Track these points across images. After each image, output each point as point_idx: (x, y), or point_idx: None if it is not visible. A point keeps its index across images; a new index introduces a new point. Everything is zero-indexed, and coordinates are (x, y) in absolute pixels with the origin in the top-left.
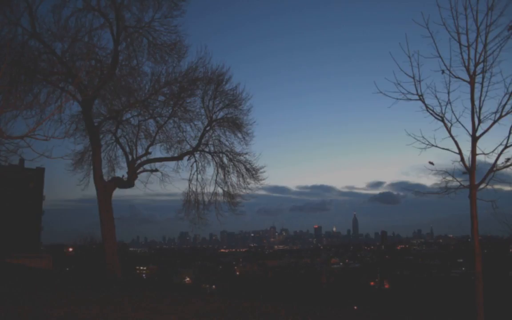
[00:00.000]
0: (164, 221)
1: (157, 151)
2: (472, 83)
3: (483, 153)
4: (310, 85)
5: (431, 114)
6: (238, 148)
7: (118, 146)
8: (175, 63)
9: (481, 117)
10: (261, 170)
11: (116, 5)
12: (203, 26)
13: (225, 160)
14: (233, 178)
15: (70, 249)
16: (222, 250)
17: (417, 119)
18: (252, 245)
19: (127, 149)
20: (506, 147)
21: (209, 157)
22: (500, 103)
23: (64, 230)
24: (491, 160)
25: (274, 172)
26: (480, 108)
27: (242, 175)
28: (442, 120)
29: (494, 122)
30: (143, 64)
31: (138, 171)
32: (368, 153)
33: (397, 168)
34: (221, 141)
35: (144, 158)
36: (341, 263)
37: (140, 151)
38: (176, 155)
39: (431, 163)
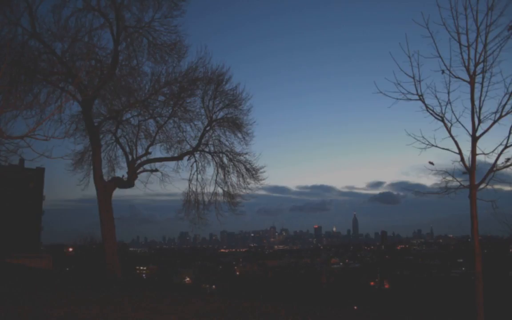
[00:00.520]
0: (164, 221)
1: (157, 151)
2: (472, 83)
3: (483, 153)
4: (310, 85)
5: (431, 114)
6: (238, 148)
7: (118, 146)
8: (175, 63)
9: (481, 117)
10: (261, 170)
11: (116, 5)
12: (203, 26)
13: (225, 160)
14: (233, 178)
15: (70, 249)
16: (222, 250)
17: (417, 119)
18: (252, 245)
19: (127, 149)
20: (506, 147)
21: (209, 157)
22: (500, 103)
23: (64, 230)
24: (491, 160)
25: (274, 172)
26: (480, 108)
27: (242, 175)
28: (442, 120)
29: (494, 122)
30: (143, 64)
31: (138, 171)
32: (368, 153)
33: (397, 168)
34: (221, 141)
35: (144, 158)
36: (341, 263)
37: (140, 151)
38: (176, 155)
39: (431, 163)
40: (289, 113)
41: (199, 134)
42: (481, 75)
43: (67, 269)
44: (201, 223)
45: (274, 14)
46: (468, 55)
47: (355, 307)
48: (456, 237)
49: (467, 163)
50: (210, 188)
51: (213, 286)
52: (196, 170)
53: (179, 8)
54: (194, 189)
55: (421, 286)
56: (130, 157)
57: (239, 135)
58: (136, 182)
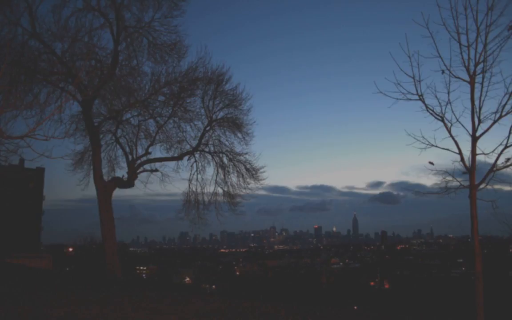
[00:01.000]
0: (164, 221)
1: (157, 151)
2: (472, 83)
3: (483, 153)
4: (310, 85)
5: (431, 114)
6: (238, 148)
7: (118, 146)
8: (175, 63)
9: (481, 117)
10: (261, 170)
11: (116, 5)
12: (203, 26)
13: (225, 160)
14: (233, 178)
15: (70, 249)
16: (222, 250)
17: (417, 119)
18: (252, 245)
19: (127, 149)
20: (506, 147)
21: (209, 157)
22: (500, 103)
23: (64, 230)
24: (491, 160)
25: (274, 172)
26: (480, 108)
27: (242, 175)
28: (442, 120)
29: (494, 122)
30: (143, 64)
31: (138, 171)
32: (368, 153)
33: (397, 168)
34: (221, 141)
35: (144, 158)
36: (341, 263)
37: (140, 151)
38: (176, 155)
39: (431, 163)
40: (289, 113)
41: (199, 134)
42: (481, 75)
43: (67, 269)
44: (201, 223)
45: (274, 14)
46: (468, 55)
47: (355, 307)
48: (456, 237)
49: (467, 163)
50: (210, 188)
51: (213, 286)
52: (196, 170)
53: (179, 8)
54: (194, 189)
55: (421, 286)
56: (130, 157)
57: (239, 135)
58: (136, 182)
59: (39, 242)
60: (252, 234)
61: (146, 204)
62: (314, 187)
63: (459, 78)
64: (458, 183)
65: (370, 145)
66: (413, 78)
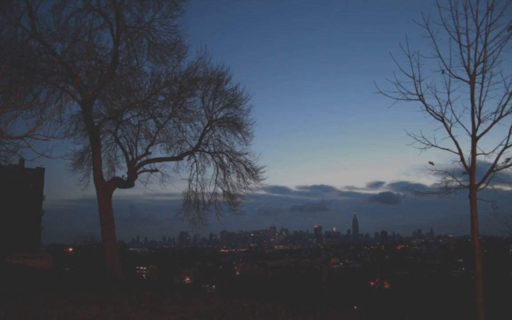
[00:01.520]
0: (164, 221)
1: (157, 151)
2: (472, 83)
3: (483, 153)
4: (310, 85)
5: (431, 114)
6: (238, 148)
7: (118, 146)
8: (175, 63)
9: (481, 117)
10: (261, 170)
11: (116, 5)
12: (203, 26)
13: (225, 160)
14: (233, 178)
15: (70, 249)
16: (222, 250)
17: (417, 119)
18: (252, 245)
19: (127, 149)
20: (506, 147)
21: (209, 157)
22: (500, 103)
23: (64, 230)
24: (491, 160)
25: (274, 172)
26: (480, 108)
27: (242, 175)
28: (442, 120)
29: (494, 122)
30: (143, 64)
31: (138, 171)
32: (368, 153)
33: (397, 168)
34: (221, 141)
35: (144, 158)
36: (341, 263)
37: (140, 151)
38: (176, 155)
39: (431, 163)
40: (289, 113)
41: (199, 134)
42: (481, 75)
43: (67, 269)
44: (201, 223)
45: (274, 14)
46: (468, 55)
47: (355, 307)
48: (456, 237)
49: (467, 163)
50: (210, 188)
51: (213, 286)
52: (196, 170)
53: (179, 8)
54: (194, 189)
55: (421, 286)
56: (130, 157)
57: (239, 135)
58: (136, 182)
59: (39, 242)
60: (252, 234)
61: (146, 204)
62: (314, 187)
63: (459, 78)
64: (458, 183)
65: (370, 145)
66: (413, 78)
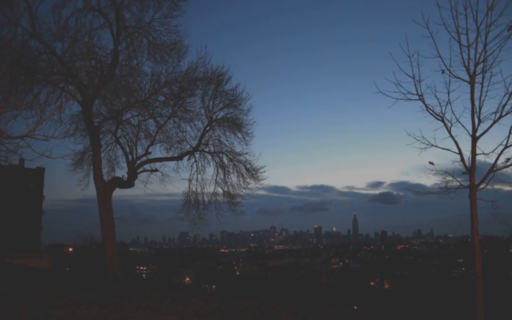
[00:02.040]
0: (164, 221)
1: (157, 151)
2: (472, 83)
3: (483, 153)
4: (310, 85)
5: (431, 114)
6: (238, 148)
7: (118, 146)
8: (175, 63)
9: (481, 117)
10: (261, 170)
11: (116, 5)
12: (203, 26)
13: (225, 160)
14: (233, 178)
15: (70, 249)
16: (222, 250)
17: (417, 119)
18: (252, 245)
19: (127, 149)
20: (506, 147)
21: (209, 157)
22: (500, 103)
23: (64, 230)
24: (491, 160)
25: (274, 172)
26: (480, 108)
27: (242, 175)
28: (442, 120)
29: (494, 122)
30: (143, 64)
31: (138, 171)
32: (368, 153)
33: (397, 168)
34: (221, 141)
35: (144, 158)
36: (341, 263)
37: (140, 151)
38: (176, 155)
39: (431, 163)
40: (289, 113)
41: (199, 134)
42: (481, 75)
43: (67, 269)
44: (201, 223)
45: (274, 14)
46: (468, 55)
47: (355, 307)
48: (456, 237)
49: (467, 163)
50: (210, 188)
51: (213, 286)
52: (196, 170)
53: (179, 8)
54: (194, 189)
55: (421, 286)
56: (130, 157)
57: (239, 135)
58: (136, 182)
59: (39, 242)
60: (252, 234)
61: (146, 204)
62: (314, 187)
63: (459, 78)
64: (458, 183)
65: (370, 145)
66: (413, 78)
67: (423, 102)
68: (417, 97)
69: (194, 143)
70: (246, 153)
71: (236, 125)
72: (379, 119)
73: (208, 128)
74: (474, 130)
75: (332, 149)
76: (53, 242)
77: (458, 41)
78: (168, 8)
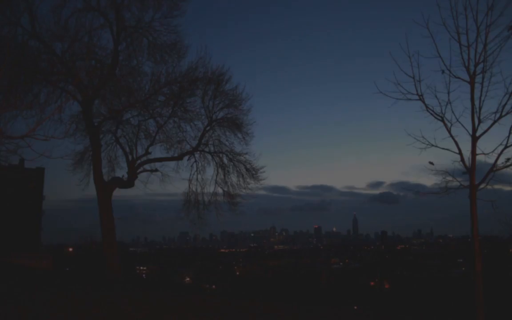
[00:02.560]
0: (164, 221)
1: (157, 151)
2: (472, 83)
3: (483, 153)
4: (310, 85)
5: (431, 114)
6: (238, 148)
7: (118, 146)
8: (175, 63)
9: (481, 117)
10: (261, 170)
11: (116, 5)
12: (203, 26)
13: (225, 160)
14: (233, 178)
15: (70, 249)
16: (222, 250)
17: (417, 119)
18: (252, 245)
19: (127, 149)
20: (506, 147)
21: (209, 157)
22: (500, 103)
23: (64, 230)
24: (491, 160)
25: (274, 172)
26: (480, 108)
27: (242, 175)
28: (442, 120)
29: (494, 122)
30: (143, 64)
31: (138, 171)
32: (368, 153)
33: (397, 168)
34: (221, 141)
35: (144, 158)
36: (341, 263)
37: (140, 151)
38: (176, 155)
39: (431, 163)
40: (289, 113)
41: (199, 134)
42: (481, 75)
43: (67, 269)
44: (201, 223)
45: (274, 14)
46: (468, 55)
47: (355, 307)
48: (456, 237)
49: (467, 163)
50: (210, 188)
51: (213, 286)
52: (196, 170)
53: (179, 8)
54: (194, 189)
55: (421, 286)
56: (130, 157)
57: (239, 135)
58: (136, 182)
59: (39, 242)
60: (252, 234)
61: (146, 204)
62: (314, 187)
63: (459, 78)
64: (458, 183)
65: (370, 145)
66: (413, 78)
67: (423, 102)
68: (417, 97)
69: (194, 143)
70: (246, 153)
71: (236, 125)
72: (379, 119)
73: (208, 128)
74: (474, 130)
75: (332, 149)
76: (53, 242)
77: (458, 41)
78: (168, 8)
